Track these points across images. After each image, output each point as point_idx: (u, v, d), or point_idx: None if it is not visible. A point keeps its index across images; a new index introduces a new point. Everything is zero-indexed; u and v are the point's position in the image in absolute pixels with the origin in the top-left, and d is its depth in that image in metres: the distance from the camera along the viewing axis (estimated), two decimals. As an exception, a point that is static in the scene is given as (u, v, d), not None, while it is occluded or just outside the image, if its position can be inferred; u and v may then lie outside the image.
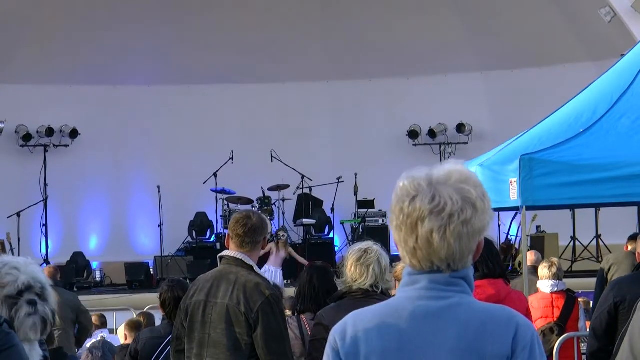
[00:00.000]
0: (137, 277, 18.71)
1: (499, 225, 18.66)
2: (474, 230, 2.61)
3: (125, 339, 9.56)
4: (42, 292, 3.68)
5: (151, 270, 19.04)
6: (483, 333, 2.58)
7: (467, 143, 21.48)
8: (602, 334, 6.46)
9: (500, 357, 2.57)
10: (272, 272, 15.68)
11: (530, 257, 11.24)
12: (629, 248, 10.76)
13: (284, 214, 20.06)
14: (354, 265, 5.65)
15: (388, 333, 2.62)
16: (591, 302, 10.50)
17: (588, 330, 7.17)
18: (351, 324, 2.68)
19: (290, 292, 9.95)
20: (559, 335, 8.70)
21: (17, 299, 3.61)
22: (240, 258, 5.58)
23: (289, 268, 16.89)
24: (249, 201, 19.34)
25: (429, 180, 2.62)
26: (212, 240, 20.02)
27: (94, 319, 11.44)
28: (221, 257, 5.68)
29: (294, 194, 20.42)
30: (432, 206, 2.59)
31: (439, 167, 2.65)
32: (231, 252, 5.63)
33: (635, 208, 13.35)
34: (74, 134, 21.33)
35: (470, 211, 2.60)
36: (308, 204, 20.34)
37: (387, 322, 2.63)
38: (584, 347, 8.88)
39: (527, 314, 6.26)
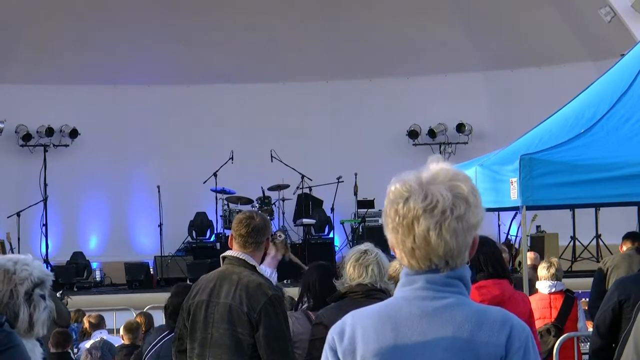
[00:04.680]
0: (137, 277, 18.69)
1: (499, 225, 18.67)
2: (469, 225, 2.63)
3: (122, 339, 9.59)
4: (48, 287, 3.73)
5: (151, 270, 19.02)
6: (478, 333, 2.60)
7: (467, 143, 21.48)
8: (605, 332, 6.45)
9: (494, 357, 2.58)
10: (266, 273, 15.56)
11: (530, 256, 11.23)
12: (624, 248, 10.68)
13: (283, 213, 20.06)
14: (352, 265, 5.64)
15: (384, 333, 2.64)
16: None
17: (590, 330, 7.15)
18: (349, 324, 2.70)
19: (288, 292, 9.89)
20: (556, 337, 8.66)
21: (31, 294, 3.65)
22: (243, 258, 5.59)
23: (288, 269, 16.73)
24: (248, 201, 19.33)
25: (419, 180, 2.65)
26: (212, 240, 20.01)
27: (91, 319, 11.37)
28: (224, 257, 5.67)
29: (293, 193, 20.41)
30: (425, 204, 2.61)
31: (426, 168, 2.68)
32: (234, 252, 5.63)
33: (635, 208, 13.35)
34: (74, 133, 21.34)
35: (463, 206, 2.62)
36: (308, 204, 20.32)
37: (384, 321, 2.65)
38: (583, 347, 8.87)
39: (530, 314, 6.25)
